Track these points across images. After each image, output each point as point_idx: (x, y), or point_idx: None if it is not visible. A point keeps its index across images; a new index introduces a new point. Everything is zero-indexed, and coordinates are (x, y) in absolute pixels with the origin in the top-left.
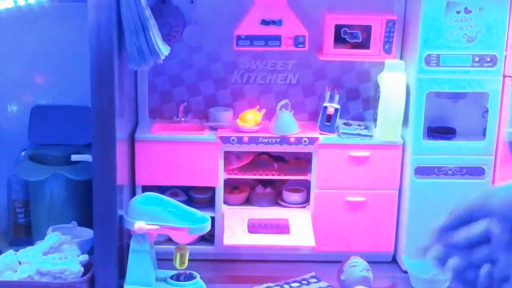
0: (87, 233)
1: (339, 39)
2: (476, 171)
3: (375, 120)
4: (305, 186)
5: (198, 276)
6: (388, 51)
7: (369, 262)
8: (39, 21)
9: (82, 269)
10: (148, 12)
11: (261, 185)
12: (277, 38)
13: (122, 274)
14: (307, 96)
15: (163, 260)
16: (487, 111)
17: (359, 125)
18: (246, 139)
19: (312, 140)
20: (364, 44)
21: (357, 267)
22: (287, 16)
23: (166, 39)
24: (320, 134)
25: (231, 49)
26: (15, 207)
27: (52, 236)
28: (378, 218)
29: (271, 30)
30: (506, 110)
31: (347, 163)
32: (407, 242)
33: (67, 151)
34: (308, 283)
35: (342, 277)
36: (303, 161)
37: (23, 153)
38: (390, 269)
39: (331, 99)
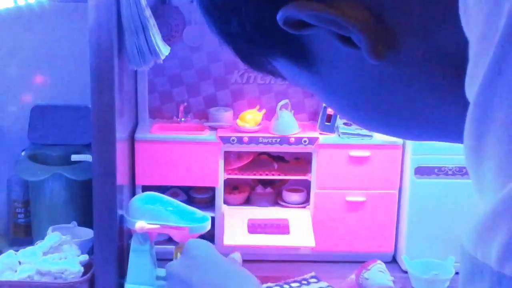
0: (87, 233)
1: None
2: None
3: None
4: (305, 186)
5: None
6: None
7: None
8: (39, 21)
9: (82, 269)
10: (148, 12)
11: (261, 185)
12: None
13: (122, 274)
14: (307, 96)
15: (163, 260)
16: None
17: None
18: (246, 139)
19: (312, 140)
20: None
21: (384, 274)
22: None
23: (166, 39)
24: (320, 134)
25: None
26: (15, 207)
27: (52, 236)
28: (378, 218)
29: None
30: None
31: (347, 163)
32: (407, 242)
33: (67, 151)
34: (308, 283)
35: (365, 275)
36: (303, 161)
37: (23, 153)
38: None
39: None
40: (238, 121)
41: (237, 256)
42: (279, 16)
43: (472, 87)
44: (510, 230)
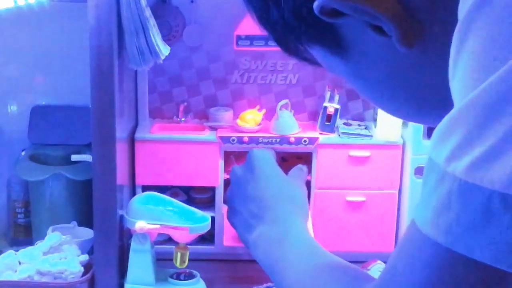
0: (87, 233)
1: None
2: None
3: (375, 120)
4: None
5: (198, 275)
6: None
7: None
8: (39, 21)
9: (82, 269)
10: (148, 12)
11: None
12: None
13: (122, 274)
14: (307, 96)
15: (163, 260)
16: None
17: (359, 125)
18: (246, 139)
19: (312, 140)
20: None
21: None
22: None
23: (166, 39)
24: (320, 134)
25: (231, 49)
26: (15, 207)
27: (52, 236)
28: (378, 218)
29: None
30: None
31: (347, 163)
32: None
33: (67, 151)
34: None
35: None
36: (303, 161)
37: (23, 153)
38: None
39: (331, 99)
40: (238, 121)
41: (304, 168)
42: (315, 5)
43: (464, 7)
44: (463, 135)
